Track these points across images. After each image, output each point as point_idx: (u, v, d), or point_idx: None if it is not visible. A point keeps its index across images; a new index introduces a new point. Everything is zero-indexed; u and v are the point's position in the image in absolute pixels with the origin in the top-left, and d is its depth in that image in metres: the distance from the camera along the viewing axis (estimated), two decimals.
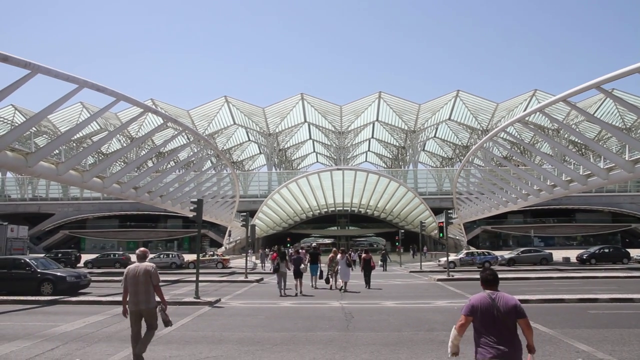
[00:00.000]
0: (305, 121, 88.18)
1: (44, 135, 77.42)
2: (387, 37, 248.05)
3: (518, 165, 46.26)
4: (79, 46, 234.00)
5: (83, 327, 11.26)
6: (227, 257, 41.08)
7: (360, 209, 66.91)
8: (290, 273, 19.93)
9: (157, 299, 7.75)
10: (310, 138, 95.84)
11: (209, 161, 64.08)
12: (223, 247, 57.79)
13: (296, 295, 18.37)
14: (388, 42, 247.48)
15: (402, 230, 50.02)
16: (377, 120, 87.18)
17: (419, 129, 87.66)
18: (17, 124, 67.25)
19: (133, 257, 42.09)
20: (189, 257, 40.25)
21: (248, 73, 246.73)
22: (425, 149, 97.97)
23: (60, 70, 18.47)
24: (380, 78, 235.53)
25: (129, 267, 7.90)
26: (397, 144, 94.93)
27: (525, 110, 67.42)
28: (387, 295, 18.24)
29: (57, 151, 24.08)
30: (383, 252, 39.07)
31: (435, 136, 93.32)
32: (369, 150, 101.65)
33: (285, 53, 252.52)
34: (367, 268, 21.36)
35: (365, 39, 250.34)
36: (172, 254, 41.42)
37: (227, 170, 49.25)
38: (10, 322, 12.46)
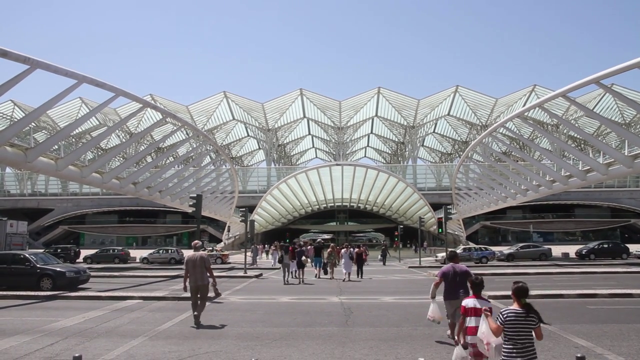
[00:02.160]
0: (305, 117, 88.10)
1: (43, 131, 77.24)
2: (386, 33, 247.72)
3: (517, 161, 46.24)
4: (78, 41, 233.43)
5: (83, 322, 11.26)
6: (226, 252, 41.15)
7: (359, 205, 66.97)
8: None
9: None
10: (309, 133, 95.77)
11: (208, 157, 63.84)
12: (222, 243, 57.86)
13: (299, 283, 21.37)
14: (387, 38, 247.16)
15: (401, 226, 50.10)
16: (376, 115, 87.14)
17: (418, 124, 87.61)
18: (16, 119, 67.32)
19: (132, 253, 42.25)
20: (188, 253, 40.28)
21: (247, 69, 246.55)
22: (425, 144, 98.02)
23: (60, 65, 18.47)
24: (379, 73, 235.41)
25: (188, 255, 11.44)
26: (397, 140, 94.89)
27: (524, 105, 67.44)
28: (386, 290, 18.27)
29: (56, 147, 24.11)
30: (383, 247, 39.17)
31: (434, 132, 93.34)
32: (368, 145, 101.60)
33: (284, 48, 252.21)
34: (360, 261, 24.43)
35: (364, 35, 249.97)
36: (171, 250, 41.49)
37: (226, 166, 49.10)
38: (10, 317, 12.46)
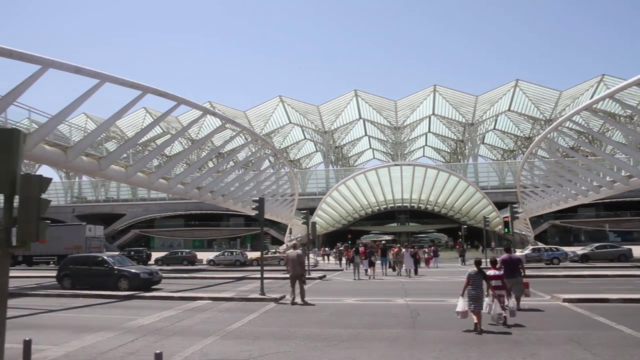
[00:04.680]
0: (360, 117, 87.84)
1: (113, 140, 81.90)
2: (439, 31, 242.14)
3: (587, 156, 43.74)
4: (143, 52, 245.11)
5: (158, 321, 11.81)
6: None
7: (420, 205, 65.75)
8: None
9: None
10: (365, 134, 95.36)
11: (267, 160, 65.11)
12: (284, 245, 58.77)
13: (369, 278, 24.54)
14: (440, 35, 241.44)
15: (465, 226, 48.72)
16: (433, 114, 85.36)
17: (477, 121, 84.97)
18: (89, 131, 71.63)
19: (200, 255, 43.61)
20: (252, 255, 41.20)
21: (301, 72, 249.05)
22: (485, 141, 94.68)
23: (126, 78, 19.59)
24: (434, 72, 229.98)
25: (288, 252, 16.64)
26: (455, 138, 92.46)
27: (592, 97, 63.68)
28: (452, 292, 17.75)
29: (125, 155, 25.40)
30: (461, 248, 39.66)
31: (494, 128, 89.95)
32: (426, 144, 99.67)
33: (337, 50, 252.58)
34: (415, 260, 27.51)
35: (416, 33, 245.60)
36: (235, 252, 42.55)
37: (285, 169, 49.87)
38: (95, 314, 13.33)
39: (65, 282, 19.84)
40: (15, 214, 5.85)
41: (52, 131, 18.57)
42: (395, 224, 72.84)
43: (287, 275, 16.17)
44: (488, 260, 17.03)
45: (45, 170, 76.24)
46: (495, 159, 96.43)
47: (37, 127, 18.43)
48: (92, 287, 18.72)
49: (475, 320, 9.92)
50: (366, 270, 25.96)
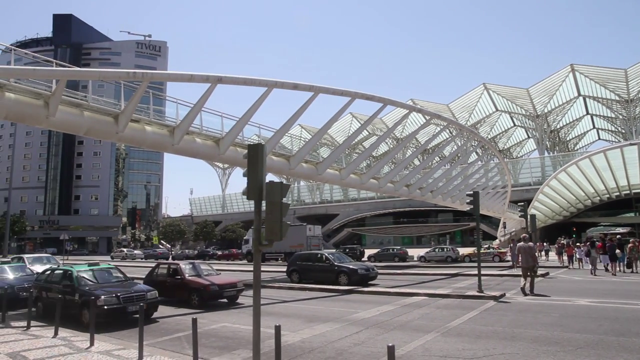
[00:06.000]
0: (580, 95, 77.75)
1: (325, 146, 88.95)
2: None
3: None
4: (347, 56, 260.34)
5: (378, 315, 12.36)
6: (503, 250, 39.25)
7: None
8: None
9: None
10: (587, 113, 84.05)
11: (474, 153, 62.52)
12: (497, 240, 55.59)
13: (613, 274, 22.63)
14: None
15: None
16: None
17: None
18: (305, 140, 79.22)
19: (410, 252, 44.27)
20: (463, 251, 39.97)
21: (505, 56, 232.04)
22: None
23: (336, 87, 21.20)
24: None
25: (519, 244, 17.02)
26: None
27: None
28: None
29: (337, 159, 27.31)
30: None
31: None
32: None
33: (550, 21, 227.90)
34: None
35: None
36: (446, 248, 41.94)
37: (494, 160, 47.16)
38: (321, 306, 14.65)
39: (293, 276, 22.22)
40: (263, 216, 7.01)
41: (277, 143, 21.15)
42: (632, 214, 62.10)
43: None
44: None
45: (269, 178, 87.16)
46: None
47: (264, 141, 21.22)
48: (316, 281, 20.60)
49: None
50: (606, 266, 24.08)
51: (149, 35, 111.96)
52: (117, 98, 16.86)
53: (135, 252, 66.31)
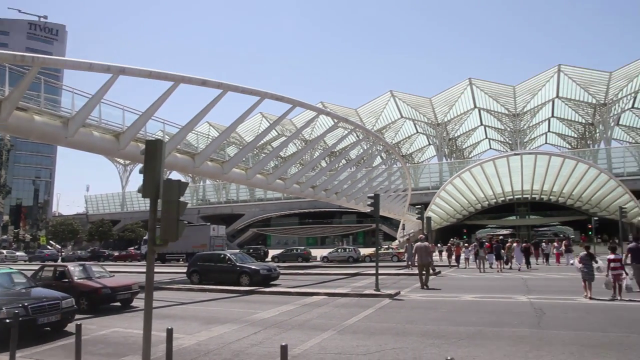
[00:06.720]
0: (475, 107, 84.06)
1: (232, 145, 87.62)
2: (558, 5, 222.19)
3: None
4: (262, 56, 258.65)
5: (277, 315, 12.41)
6: (401, 250, 41.20)
7: (542, 196, 60.95)
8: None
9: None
10: (481, 124, 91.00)
11: (379, 157, 65.02)
12: (397, 241, 58.24)
13: (498, 272, 25.07)
14: (561, 10, 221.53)
15: (595, 218, 44.28)
16: (557, 96, 78.73)
17: (610, 101, 76.41)
18: (213, 138, 77.40)
19: (314, 252, 44.88)
20: (364, 251, 41.36)
21: (411, 66, 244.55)
22: (620, 123, 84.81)
23: (245, 86, 20.96)
24: (555, 52, 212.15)
25: (416, 244, 19.13)
26: (584, 121, 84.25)
27: None
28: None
29: (244, 158, 27.01)
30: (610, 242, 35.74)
31: (633, 107, 79.89)
32: (548, 131, 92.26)
33: (447, 39, 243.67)
34: (527, 254, 28.01)
35: (536, 12, 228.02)
36: (348, 249, 43.18)
37: (397, 165, 49.38)
38: (220, 307, 14.40)
39: (194, 278, 21.64)
40: (159, 215, 6.70)
41: (182, 140, 20.44)
42: (514, 217, 68.42)
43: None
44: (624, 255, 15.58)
45: (173, 176, 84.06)
46: (633, 141, 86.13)
47: (168, 137, 20.40)
48: (217, 282, 20.20)
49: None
50: (491, 264, 26.57)
51: (45, 17, 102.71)
52: (1, 83, 15.31)
53: (18, 253, 60.30)
